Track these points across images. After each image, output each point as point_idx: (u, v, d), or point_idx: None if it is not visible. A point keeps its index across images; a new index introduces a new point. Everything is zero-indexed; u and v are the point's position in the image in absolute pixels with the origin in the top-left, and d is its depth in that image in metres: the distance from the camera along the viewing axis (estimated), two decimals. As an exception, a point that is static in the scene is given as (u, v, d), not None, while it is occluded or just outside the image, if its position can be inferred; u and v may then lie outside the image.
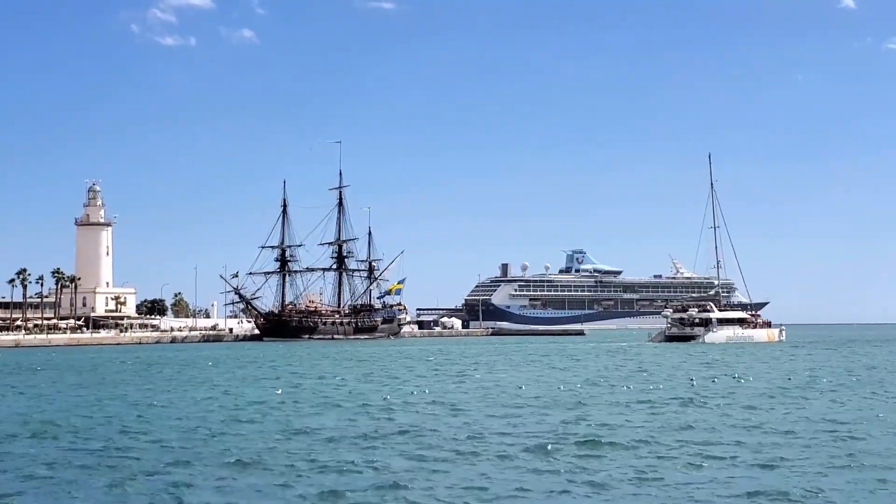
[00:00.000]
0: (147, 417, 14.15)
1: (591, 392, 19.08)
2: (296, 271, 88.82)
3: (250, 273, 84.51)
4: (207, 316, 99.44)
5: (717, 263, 54.73)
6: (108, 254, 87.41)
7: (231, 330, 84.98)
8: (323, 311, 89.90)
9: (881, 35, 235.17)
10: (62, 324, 72.94)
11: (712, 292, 63.80)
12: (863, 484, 6.86)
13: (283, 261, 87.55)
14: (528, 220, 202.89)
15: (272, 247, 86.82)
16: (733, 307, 59.00)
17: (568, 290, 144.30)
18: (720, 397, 17.23)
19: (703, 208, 56.82)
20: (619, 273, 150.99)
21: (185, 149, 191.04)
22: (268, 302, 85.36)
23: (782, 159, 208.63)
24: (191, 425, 12.66)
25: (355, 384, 22.56)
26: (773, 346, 45.62)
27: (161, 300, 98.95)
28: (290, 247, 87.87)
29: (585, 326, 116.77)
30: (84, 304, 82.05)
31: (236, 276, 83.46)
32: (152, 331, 78.80)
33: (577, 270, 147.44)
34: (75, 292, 79.18)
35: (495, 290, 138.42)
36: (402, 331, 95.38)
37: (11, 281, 71.50)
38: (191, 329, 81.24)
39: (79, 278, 79.28)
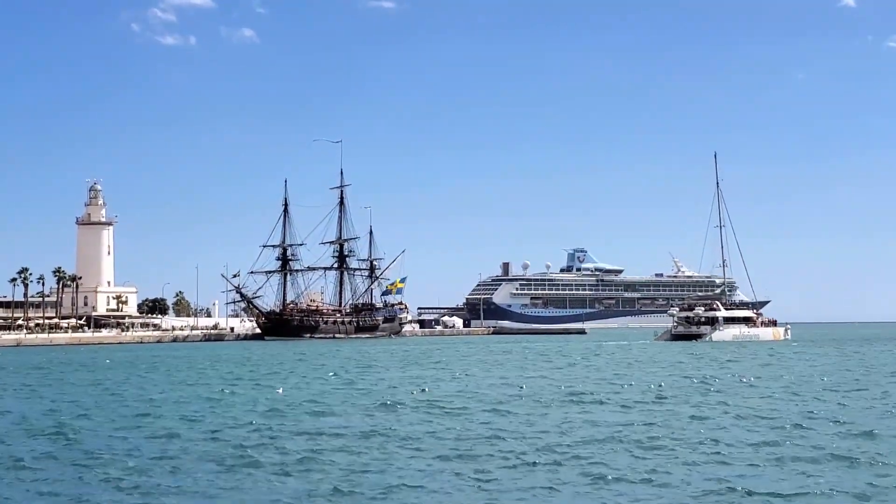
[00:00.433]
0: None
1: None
2: (297, 270, 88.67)
3: (251, 272, 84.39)
4: (209, 315, 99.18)
5: (723, 262, 54.75)
6: (109, 253, 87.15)
7: (232, 329, 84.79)
8: (324, 310, 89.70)
9: (882, 33, 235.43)
10: (63, 323, 72.72)
11: (718, 291, 63.60)
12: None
13: (284, 260, 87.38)
14: (530, 218, 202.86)
15: (273, 246, 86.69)
16: (736, 306, 58.66)
17: (569, 289, 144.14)
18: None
19: (703, 207, 56.62)
20: (620, 272, 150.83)
21: (186, 148, 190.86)
22: (269, 301, 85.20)
23: (782, 159, 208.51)
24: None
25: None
26: (780, 344, 45.42)
27: (162, 299, 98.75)
28: (291, 246, 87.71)
29: (587, 325, 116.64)
30: (85, 304, 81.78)
31: (237, 275, 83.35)
32: (154, 330, 78.60)
33: (579, 269, 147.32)
34: (76, 291, 78.96)
35: (496, 288, 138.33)
36: (403, 330, 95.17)
37: (13, 280, 71.37)
38: (192, 328, 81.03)
39: (80, 277, 79.04)
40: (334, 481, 7.17)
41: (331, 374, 26.37)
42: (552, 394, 17.98)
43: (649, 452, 8.99)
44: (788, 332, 51.28)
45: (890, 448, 9.02)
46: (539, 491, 6.66)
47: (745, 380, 22.17)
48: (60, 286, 77.68)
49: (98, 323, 76.51)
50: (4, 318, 70.89)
